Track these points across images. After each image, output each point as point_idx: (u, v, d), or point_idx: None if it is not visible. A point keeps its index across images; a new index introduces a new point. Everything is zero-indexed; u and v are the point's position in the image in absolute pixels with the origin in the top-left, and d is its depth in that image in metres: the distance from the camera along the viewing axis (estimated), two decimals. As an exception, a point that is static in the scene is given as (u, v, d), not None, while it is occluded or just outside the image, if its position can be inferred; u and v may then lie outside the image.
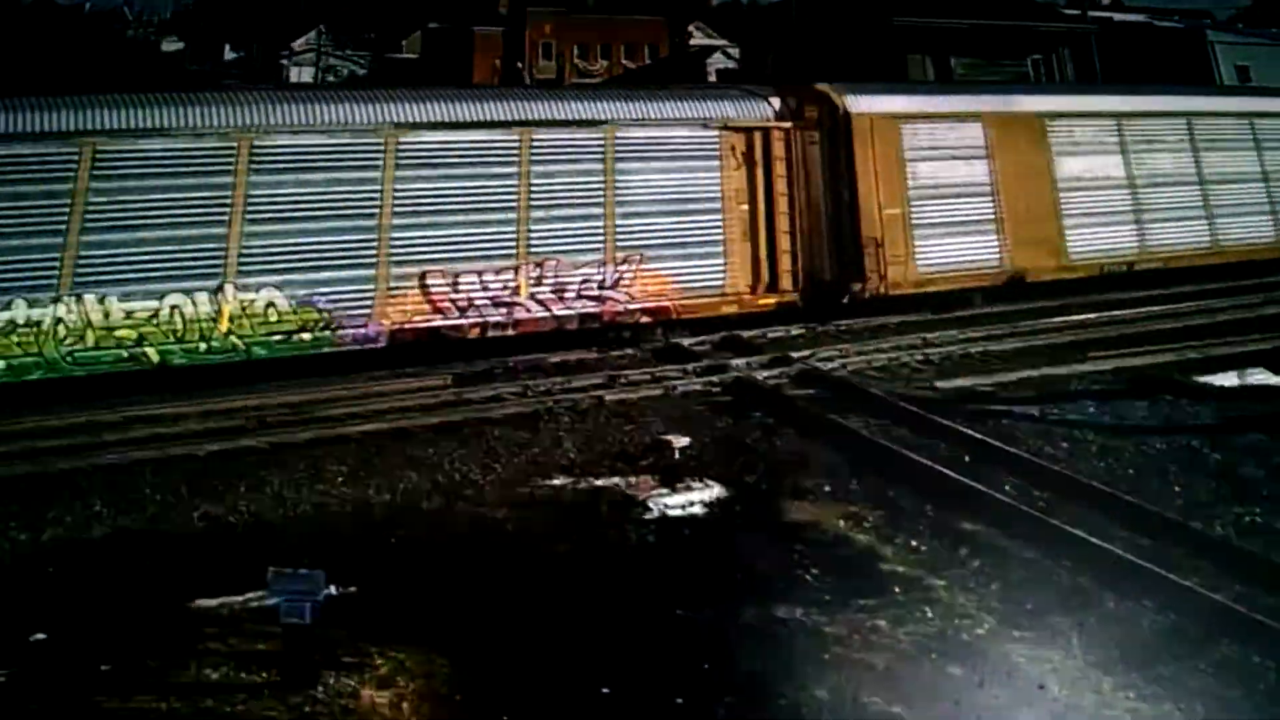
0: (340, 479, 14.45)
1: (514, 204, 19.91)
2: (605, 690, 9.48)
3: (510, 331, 19.92)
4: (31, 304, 16.80)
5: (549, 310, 20.21)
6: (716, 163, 21.72)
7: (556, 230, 20.25)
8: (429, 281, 19.29)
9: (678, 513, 13.49)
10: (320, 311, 18.47)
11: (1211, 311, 23.41)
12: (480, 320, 19.69)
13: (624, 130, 20.93)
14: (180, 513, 13.43)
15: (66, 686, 9.46)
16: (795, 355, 19.92)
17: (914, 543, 12.59)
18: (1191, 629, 10.55)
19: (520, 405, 17.26)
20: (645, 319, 21.05)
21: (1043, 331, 21.91)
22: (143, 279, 17.45)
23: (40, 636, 10.32)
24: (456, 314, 19.53)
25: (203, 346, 17.75)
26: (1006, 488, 13.91)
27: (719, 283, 21.69)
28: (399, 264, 19.05)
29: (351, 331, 18.73)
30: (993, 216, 24.15)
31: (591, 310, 20.54)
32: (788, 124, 22.51)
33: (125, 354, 17.35)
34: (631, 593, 11.22)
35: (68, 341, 16.95)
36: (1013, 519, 12.91)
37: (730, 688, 9.55)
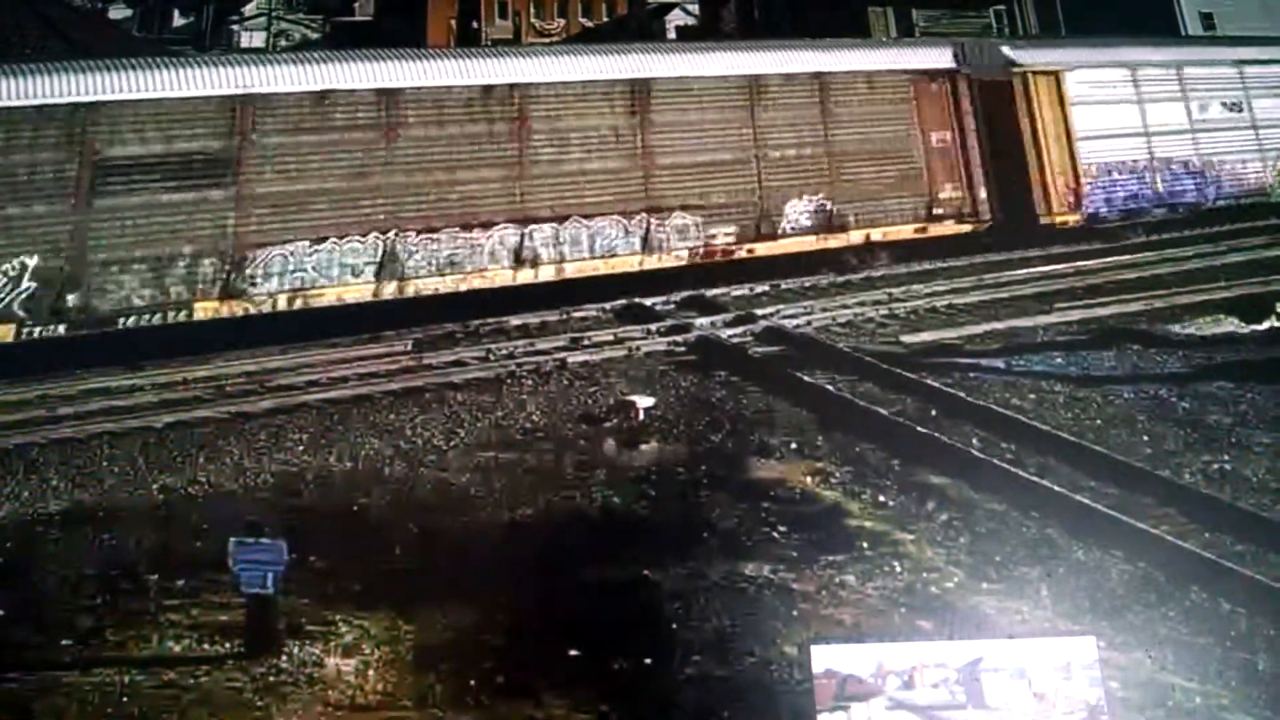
0: (301, 447, 14.27)
1: None
2: (574, 652, 9.39)
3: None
4: None
5: None
6: None
7: None
8: None
9: (643, 472, 13.37)
10: None
11: (1177, 260, 23.41)
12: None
13: None
14: (138, 485, 13.23)
15: (26, 663, 9.32)
16: (760, 313, 19.80)
17: (881, 498, 12.53)
18: (1160, 577, 10.54)
19: (482, 369, 17.09)
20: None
21: (1007, 284, 21.84)
22: None
23: (-2, 613, 10.16)
24: None
25: None
26: (974, 441, 13.87)
27: None
28: None
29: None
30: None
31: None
32: None
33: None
34: (598, 554, 11.12)
35: None
36: (980, 472, 12.86)
37: (699, 646, 9.48)
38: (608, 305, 20.39)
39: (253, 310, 18.22)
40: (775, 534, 11.65)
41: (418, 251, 19.31)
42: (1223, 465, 13.23)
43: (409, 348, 18.10)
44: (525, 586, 10.47)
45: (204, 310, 17.91)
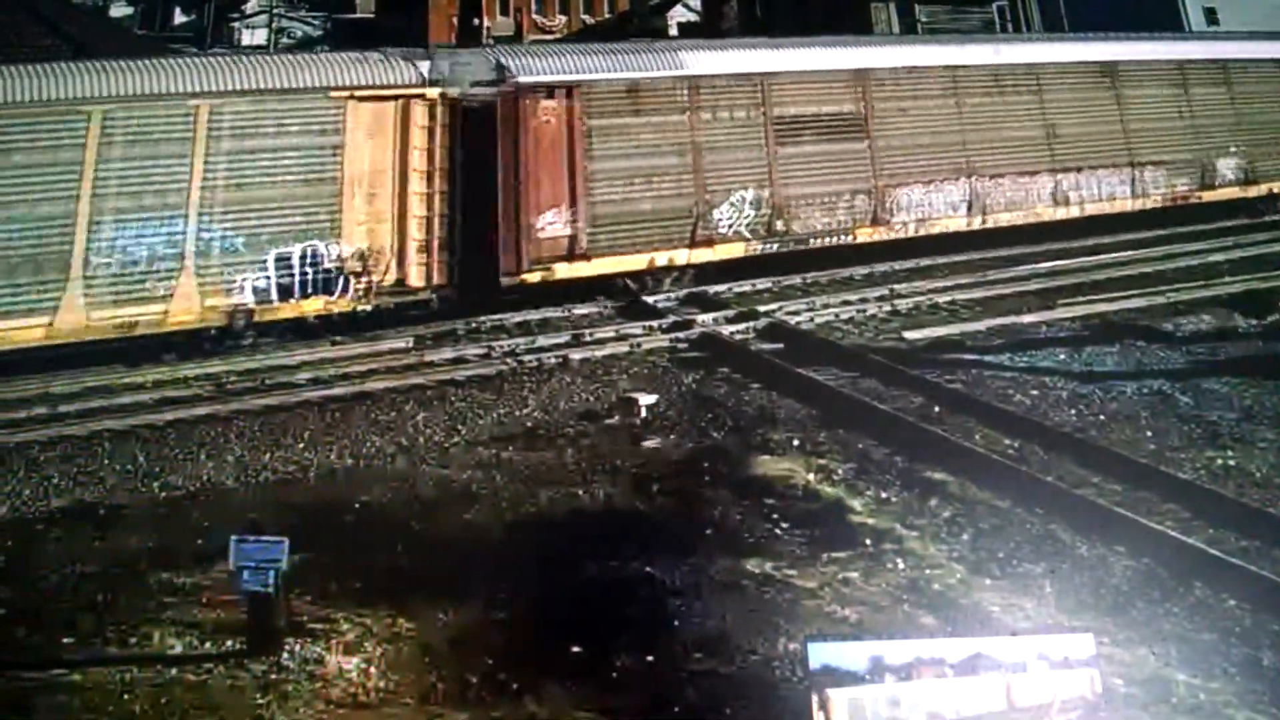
0: (303, 445, 14.24)
1: None
2: (576, 649, 9.37)
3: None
4: None
5: None
6: None
7: None
8: None
9: (645, 469, 13.35)
10: None
11: (1180, 255, 23.36)
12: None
13: None
14: (140, 483, 13.20)
15: (28, 661, 9.29)
16: (762, 309, 19.78)
17: (884, 494, 12.51)
18: (1164, 574, 10.51)
19: (484, 366, 17.06)
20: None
21: (1010, 280, 21.80)
22: None
23: (-1, 611, 10.14)
24: None
25: None
26: (977, 437, 13.86)
27: None
28: None
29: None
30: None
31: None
32: None
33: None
34: (601, 551, 11.08)
35: None
36: (983, 468, 12.84)
37: (701, 644, 9.45)
38: (609, 302, 20.37)
39: (892, 236, 23.19)
40: (777, 530, 11.63)
41: (993, 193, 24.19)
42: (1226, 461, 13.21)
43: (410, 345, 18.07)
44: (527, 584, 10.45)
45: (864, 234, 22.91)
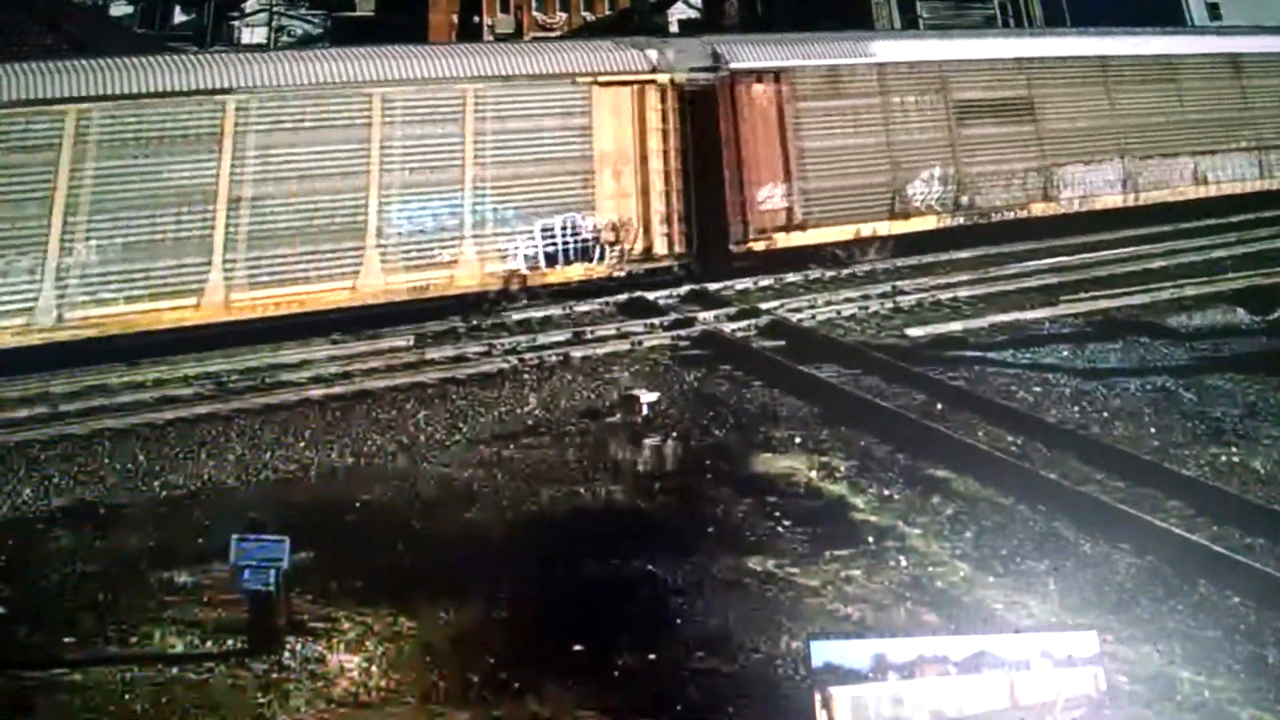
0: (304, 443, 14.21)
1: None
2: (577, 648, 9.34)
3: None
4: None
5: None
6: None
7: None
8: None
9: (647, 467, 13.32)
10: None
11: (1183, 252, 23.33)
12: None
13: None
14: (141, 482, 13.17)
15: (29, 661, 9.28)
16: (764, 307, 19.75)
17: (887, 492, 12.48)
18: (1168, 571, 10.48)
19: (485, 364, 17.02)
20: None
21: (1013, 276, 21.77)
22: None
23: (0, 611, 10.17)
24: None
25: None
26: (979, 434, 13.83)
27: None
28: None
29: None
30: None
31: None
32: None
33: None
34: (603, 549, 11.06)
35: None
36: (986, 465, 12.81)
37: (703, 642, 9.43)
38: (610, 299, 20.34)
39: (1060, 211, 24.79)
40: (780, 528, 11.60)
41: (1143, 173, 25.75)
42: (1230, 457, 13.18)
43: (411, 343, 18.05)
44: (528, 582, 10.43)
45: (1037, 209, 24.59)
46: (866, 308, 20.03)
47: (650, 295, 20.39)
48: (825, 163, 22.40)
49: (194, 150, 17.44)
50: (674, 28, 60.00)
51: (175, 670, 9.16)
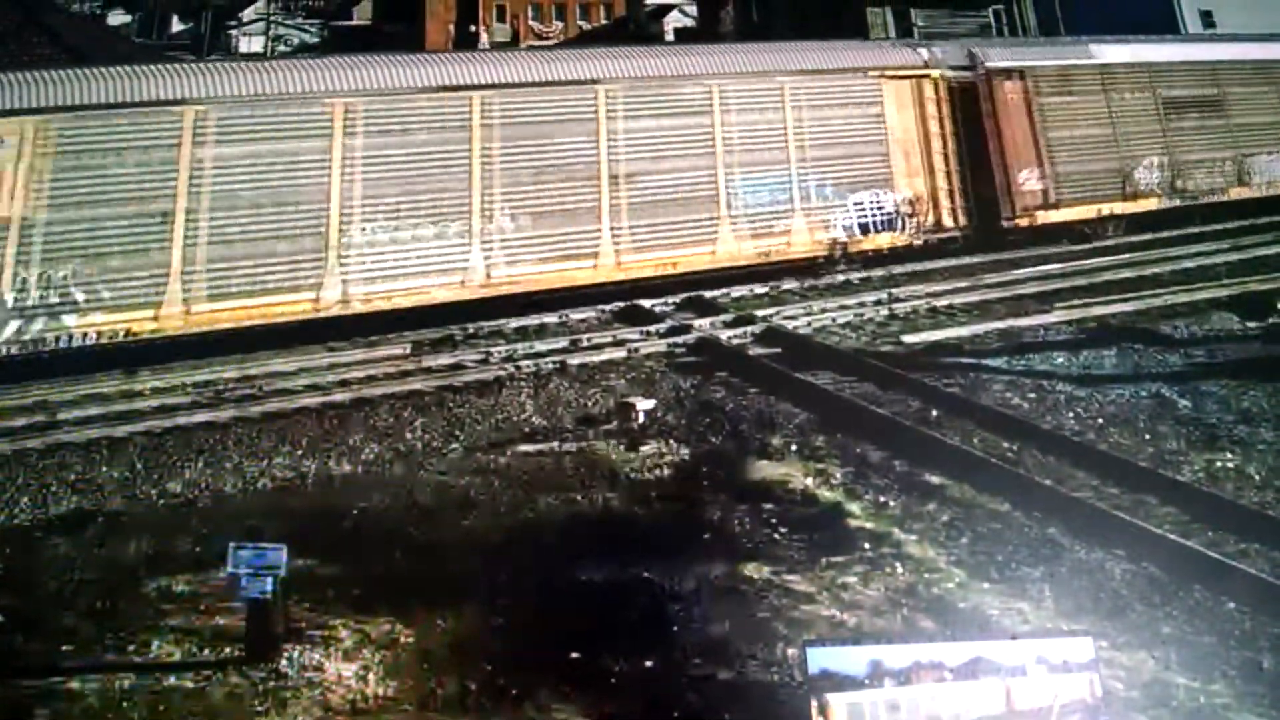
0: (301, 451, 14.23)
1: None
2: (574, 655, 9.35)
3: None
4: None
5: None
6: None
7: None
8: None
9: (643, 474, 13.34)
10: None
11: (1177, 258, 23.39)
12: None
13: None
14: (138, 490, 13.18)
15: (26, 669, 9.28)
16: (759, 314, 19.78)
17: (882, 498, 12.50)
18: (1163, 576, 10.51)
19: (482, 372, 17.04)
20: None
21: (1007, 283, 21.80)
22: None
23: (-3, 620, 10.14)
24: None
25: None
26: (975, 440, 13.85)
27: None
28: None
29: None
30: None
31: None
32: None
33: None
34: (599, 557, 11.07)
35: None
36: (982, 472, 12.83)
37: (700, 649, 9.44)
38: (606, 307, 20.38)
39: (1253, 195, 27.45)
40: (776, 535, 11.62)
41: (1258, 173, 27.74)
42: (1225, 463, 13.21)
43: (407, 351, 18.07)
44: (525, 589, 10.44)
45: (1235, 193, 27.24)
46: (862, 314, 20.06)
47: (646, 303, 20.43)
48: (1068, 151, 25.36)
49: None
50: (670, 36, 60.17)
51: (173, 678, 9.15)
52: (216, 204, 17.75)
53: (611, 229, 20.47)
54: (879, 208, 23.13)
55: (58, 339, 16.84)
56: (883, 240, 23.08)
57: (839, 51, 24.05)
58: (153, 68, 18.62)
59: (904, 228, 23.32)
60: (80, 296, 16.98)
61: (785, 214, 22.15)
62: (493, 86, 20.09)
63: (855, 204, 22.86)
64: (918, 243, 23.41)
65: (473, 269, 19.43)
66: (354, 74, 19.30)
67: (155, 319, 17.33)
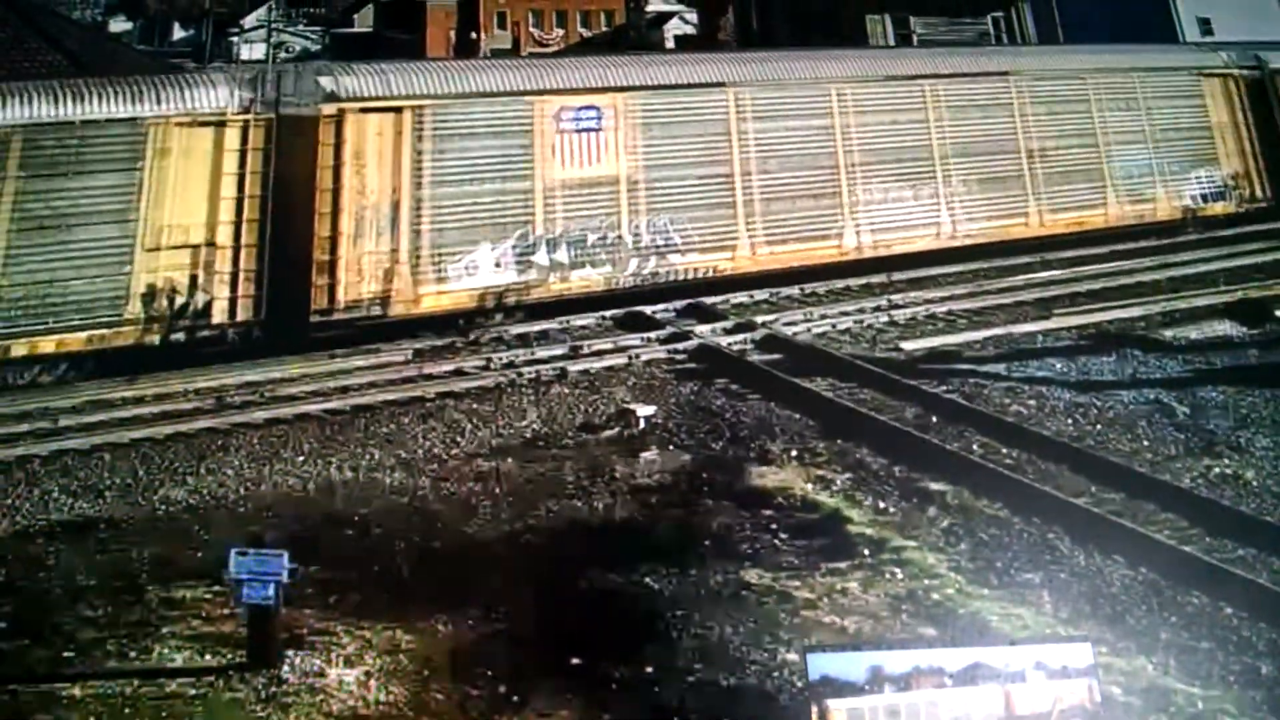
0: (302, 458, 14.25)
1: None
2: (575, 661, 9.38)
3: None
4: None
5: None
6: None
7: None
8: None
9: (644, 480, 13.37)
10: None
11: (1175, 265, 23.40)
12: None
13: None
14: (140, 496, 13.20)
15: (28, 675, 9.31)
16: (759, 321, 19.78)
17: (882, 504, 12.53)
18: (1162, 582, 10.53)
19: (482, 378, 17.05)
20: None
21: (1007, 290, 21.82)
22: None
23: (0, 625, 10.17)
24: None
25: None
26: (974, 447, 13.88)
27: None
28: None
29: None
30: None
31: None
32: None
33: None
34: (599, 562, 11.10)
35: None
36: (981, 478, 12.86)
37: (700, 654, 9.47)
38: (607, 314, 20.39)
39: None
40: (776, 541, 11.65)
41: None
42: (1223, 469, 13.24)
43: (409, 357, 18.08)
44: (526, 595, 10.47)
45: None
46: (861, 321, 20.05)
47: (647, 310, 20.44)
48: None
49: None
50: (670, 43, 60.23)
51: (174, 684, 9.17)
52: (763, 167, 21.77)
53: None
54: (1209, 181, 26.91)
55: (667, 274, 20.86)
56: (1217, 208, 26.84)
57: (1160, 53, 28.76)
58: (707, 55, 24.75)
59: (1230, 199, 27.04)
60: (678, 240, 20.95)
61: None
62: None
63: (1195, 179, 26.69)
64: (1240, 211, 26.91)
65: (942, 224, 23.49)
66: (845, 65, 23.88)
67: (732, 259, 21.36)
